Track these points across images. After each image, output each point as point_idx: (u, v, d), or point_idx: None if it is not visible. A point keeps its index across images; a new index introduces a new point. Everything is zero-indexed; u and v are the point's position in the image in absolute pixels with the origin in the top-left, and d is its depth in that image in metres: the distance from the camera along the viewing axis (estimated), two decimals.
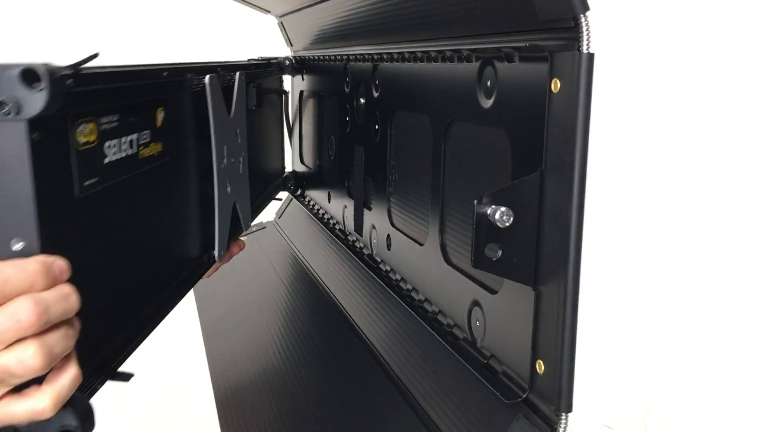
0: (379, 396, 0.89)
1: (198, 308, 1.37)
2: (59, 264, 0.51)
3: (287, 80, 1.52)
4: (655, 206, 2.45)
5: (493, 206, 0.65)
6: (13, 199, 0.49)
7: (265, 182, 1.30)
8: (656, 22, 2.35)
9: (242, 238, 1.43)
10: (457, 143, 0.84)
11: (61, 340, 0.51)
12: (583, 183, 0.62)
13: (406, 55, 0.95)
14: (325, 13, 1.22)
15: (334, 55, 1.28)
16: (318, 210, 1.50)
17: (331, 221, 1.40)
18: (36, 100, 0.49)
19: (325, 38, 1.33)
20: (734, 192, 2.40)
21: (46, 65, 0.49)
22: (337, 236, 1.33)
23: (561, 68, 0.62)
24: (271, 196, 1.39)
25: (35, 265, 0.49)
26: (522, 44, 0.66)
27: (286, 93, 1.49)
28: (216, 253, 0.94)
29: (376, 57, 1.07)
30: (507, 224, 0.65)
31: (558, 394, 0.65)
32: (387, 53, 1.02)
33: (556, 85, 0.63)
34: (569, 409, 0.65)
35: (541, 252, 0.66)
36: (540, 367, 0.68)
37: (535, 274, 0.67)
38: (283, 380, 1.06)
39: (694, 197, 2.44)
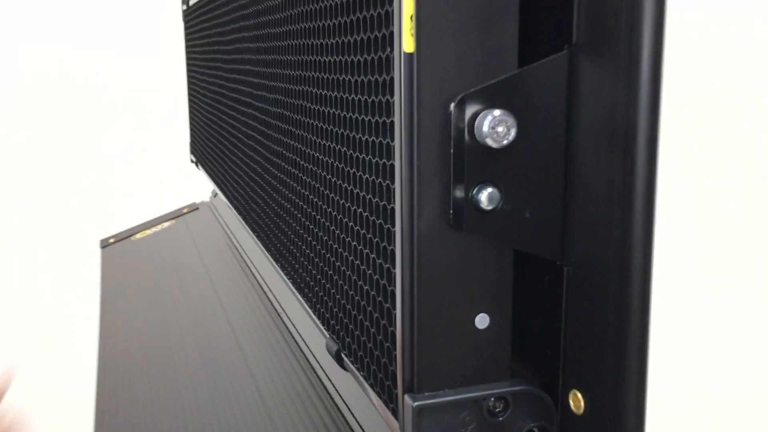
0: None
1: (101, 306, 1.06)
2: None
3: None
4: None
5: (483, 111, 0.35)
6: None
7: None
8: None
9: (166, 224, 1.14)
10: None
11: None
12: (657, 72, 0.33)
13: None
14: None
15: None
16: None
17: None
18: None
19: None
20: None
21: None
22: None
23: None
24: None
25: None
26: None
27: None
28: None
29: None
30: (506, 142, 0.35)
31: None
32: None
33: None
34: None
35: (578, 197, 0.37)
36: (577, 401, 0.38)
37: (565, 239, 0.38)
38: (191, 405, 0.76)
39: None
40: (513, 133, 0.35)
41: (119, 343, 0.93)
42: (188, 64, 1.14)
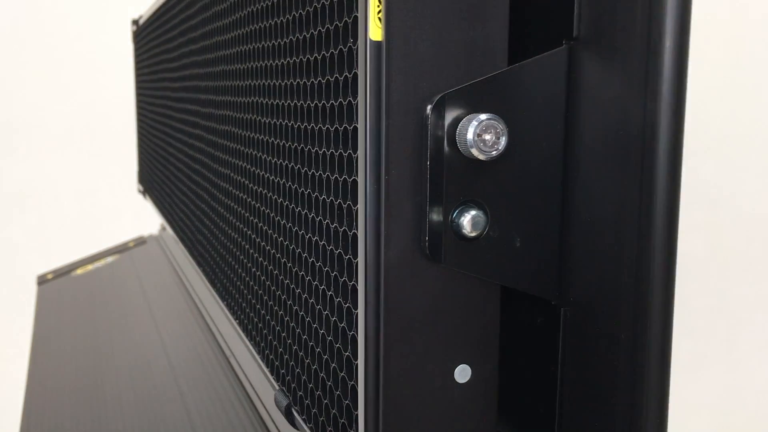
0: None
1: (31, 349, 0.96)
2: None
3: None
4: None
5: (467, 115, 0.29)
6: None
7: None
8: None
9: (110, 258, 1.07)
10: None
11: None
12: (682, 68, 0.27)
13: None
14: None
15: None
16: None
17: None
18: None
19: None
20: None
21: None
22: None
23: None
24: None
25: None
26: None
27: None
28: None
29: None
30: (495, 153, 0.29)
31: None
32: None
33: None
34: None
35: (580, 222, 0.31)
36: None
37: (563, 274, 0.31)
38: None
39: None
40: (503, 142, 0.29)
41: (47, 391, 0.84)
42: (137, 87, 1.07)
